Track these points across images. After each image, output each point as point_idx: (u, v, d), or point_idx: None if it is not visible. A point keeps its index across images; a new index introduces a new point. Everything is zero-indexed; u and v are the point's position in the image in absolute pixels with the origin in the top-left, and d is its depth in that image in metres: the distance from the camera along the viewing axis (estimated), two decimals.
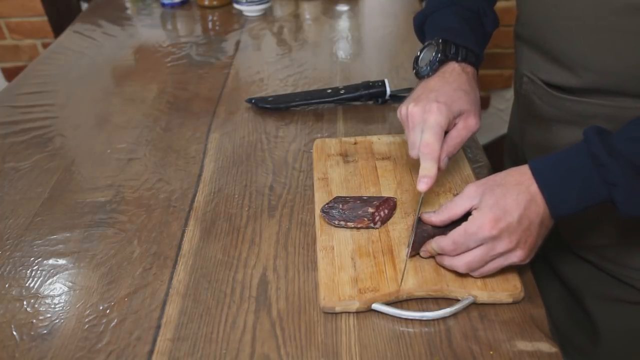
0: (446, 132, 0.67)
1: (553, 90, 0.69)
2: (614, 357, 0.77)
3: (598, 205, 0.56)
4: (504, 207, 0.56)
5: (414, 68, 0.75)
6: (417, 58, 0.75)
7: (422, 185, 0.64)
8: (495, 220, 0.56)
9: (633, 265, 0.70)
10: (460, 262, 0.59)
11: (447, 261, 0.61)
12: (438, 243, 0.61)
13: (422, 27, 0.80)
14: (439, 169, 0.65)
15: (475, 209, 0.58)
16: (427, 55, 0.73)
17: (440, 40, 0.72)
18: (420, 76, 0.74)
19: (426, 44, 0.74)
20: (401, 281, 0.62)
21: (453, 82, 0.70)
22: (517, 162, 0.85)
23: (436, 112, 0.65)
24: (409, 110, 0.68)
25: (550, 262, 0.82)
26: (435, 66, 0.71)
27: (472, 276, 0.61)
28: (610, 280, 0.73)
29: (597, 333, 0.76)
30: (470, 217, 0.58)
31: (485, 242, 0.57)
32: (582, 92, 0.65)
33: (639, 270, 0.70)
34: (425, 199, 0.73)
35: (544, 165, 0.57)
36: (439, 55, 0.71)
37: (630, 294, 0.71)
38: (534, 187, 0.57)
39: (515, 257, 0.58)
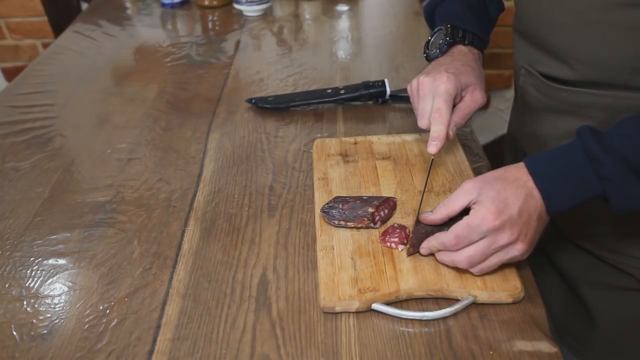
0: (454, 106, 0.72)
1: (549, 82, 0.70)
2: (610, 343, 0.77)
3: (592, 200, 0.57)
4: (504, 200, 0.57)
5: (424, 52, 0.81)
6: (427, 42, 0.81)
7: (433, 148, 0.68)
8: (497, 212, 0.56)
9: (630, 253, 0.71)
10: (462, 257, 0.59)
11: (448, 257, 0.61)
12: (439, 239, 0.61)
13: (432, 15, 0.86)
14: (447, 137, 0.69)
15: (474, 203, 0.59)
16: (437, 40, 0.79)
17: (449, 26, 0.78)
18: (430, 59, 0.81)
19: (436, 29, 0.81)
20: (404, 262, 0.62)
21: (461, 59, 0.76)
22: (516, 156, 0.86)
23: (446, 81, 0.69)
24: (419, 80, 0.72)
25: (547, 252, 0.83)
26: (444, 48, 0.78)
27: (472, 273, 0.61)
28: (607, 268, 0.74)
29: (593, 320, 0.77)
30: (472, 211, 0.59)
31: (488, 235, 0.57)
32: (577, 84, 0.67)
33: (635, 257, 0.70)
34: (425, 199, 0.73)
35: (539, 161, 0.59)
36: (448, 38, 0.78)
37: (626, 282, 0.72)
38: (530, 183, 0.58)
39: (516, 250, 0.58)
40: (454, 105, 0.71)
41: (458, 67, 0.73)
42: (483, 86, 0.74)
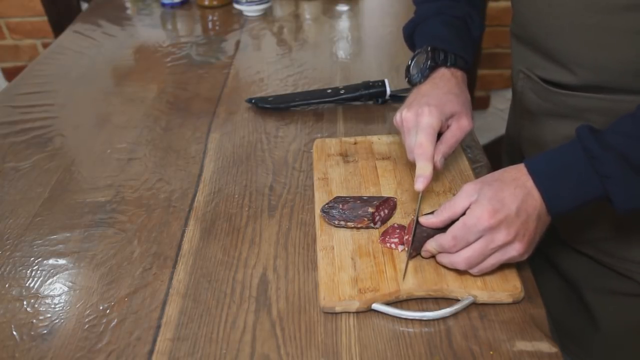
0: (441, 134, 0.71)
1: (549, 86, 0.70)
2: (612, 348, 0.77)
3: (594, 201, 0.57)
4: (501, 200, 0.57)
5: (406, 76, 0.79)
6: (408, 66, 0.79)
7: (419, 185, 0.66)
8: (493, 211, 0.56)
9: (631, 258, 0.71)
10: (460, 258, 0.59)
11: (447, 258, 0.61)
12: (437, 241, 0.61)
13: (412, 36, 0.84)
14: (435, 168, 0.68)
15: (473, 203, 0.59)
16: (418, 64, 0.77)
17: (430, 48, 0.76)
18: (412, 83, 0.78)
19: (416, 52, 0.79)
20: (403, 277, 0.62)
21: (443, 86, 0.73)
22: (514, 158, 0.86)
23: (427, 115, 0.68)
24: (402, 116, 0.71)
25: (549, 257, 0.82)
26: (426, 72, 0.76)
27: (471, 274, 0.61)
28: (608, 273, 0.73)
29: (595, 325, 0.77)
30: (468, 211, 0.59)
31: (485, 234, 0.57)
32: (577, 89, 0.66)
33: (636, 262, 0.70)
34: (425, 199, 0.73)
35: (539, 162, 0.59)
36: (429, 62, 0.75)
37: (628, 286, 0.72)
38: (530, 183, 0.58)
39: (514, 250, 0.58)
40: (441, 134, 0.70)
41: (440, 97, 0.71)
42: (469, 112, 0.72)
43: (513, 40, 0.77)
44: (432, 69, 0.76)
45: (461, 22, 0.80)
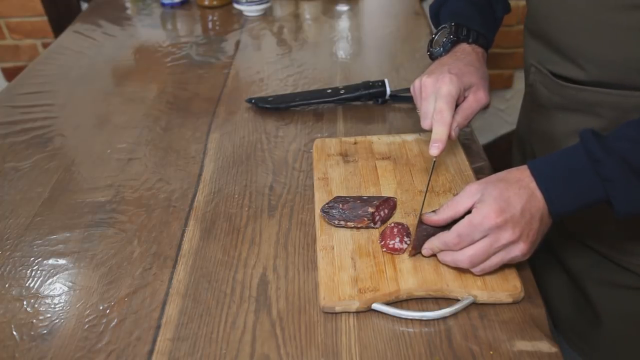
0: (457, 106, 0.72)
1: (559, 80, 0.70)
2: (614, 342, 0.77)
3: (595, 204, 0.57)
4: (507, 199, 0.57)
5: (428, 50, 0.82)
6: (431, 41, 0.81)
7: (434, 150, 0.68)
8: (500, 210, 0.57)
9: (635, 252, 0.71)
10: (464, 256, 0.59)
11: (450, 256, 0.61)
12: (441, 239, 0.61)
13: (437, 14, 0.86)
14: (450, 137, 0.69)
15: (477, 203, 0.59)
16: (441, 38, 0.80)
17: (453, 24, 0.79)
18: (433, 57, 0.80)
19: (440, 27, 0.81)
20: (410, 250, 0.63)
21: (464, 58, 0.76)
22: (524, 153, 0.87)
23: (448, 82, 0.70)
24: (422, 81, 0.73)
25: (553, 249, 0.83)
26: (448, 47, 0.78)
27: (473, 273, 0.61)
28: (612, 266, 0.74)
29: (598, 319, 0.77)
30: (474, 209, 0.59)
31: (490, 233, 0.58)
32: (586, 83, 0.67)
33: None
34: (425, 200, 0.73)
35: (542, 164, 0.59)
36: (451, 36, 0.78)
37: (631, 280, 0.72)
38: (533, 184, 0.58)
39: (518, 250, 0.58)
40: (457, 106, 0.72)
41: (461, 67, 0.73)
42: (487, 86, 0.74)
43: (526, 34, 0.78)
44: (454, 43, 0.78)
45: (485, 2, 0.84)
